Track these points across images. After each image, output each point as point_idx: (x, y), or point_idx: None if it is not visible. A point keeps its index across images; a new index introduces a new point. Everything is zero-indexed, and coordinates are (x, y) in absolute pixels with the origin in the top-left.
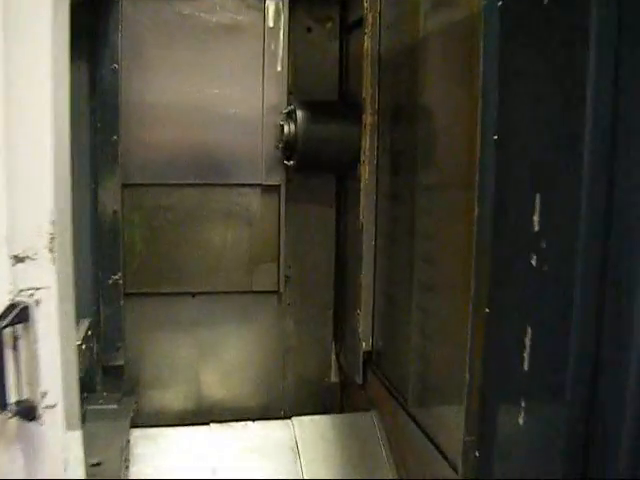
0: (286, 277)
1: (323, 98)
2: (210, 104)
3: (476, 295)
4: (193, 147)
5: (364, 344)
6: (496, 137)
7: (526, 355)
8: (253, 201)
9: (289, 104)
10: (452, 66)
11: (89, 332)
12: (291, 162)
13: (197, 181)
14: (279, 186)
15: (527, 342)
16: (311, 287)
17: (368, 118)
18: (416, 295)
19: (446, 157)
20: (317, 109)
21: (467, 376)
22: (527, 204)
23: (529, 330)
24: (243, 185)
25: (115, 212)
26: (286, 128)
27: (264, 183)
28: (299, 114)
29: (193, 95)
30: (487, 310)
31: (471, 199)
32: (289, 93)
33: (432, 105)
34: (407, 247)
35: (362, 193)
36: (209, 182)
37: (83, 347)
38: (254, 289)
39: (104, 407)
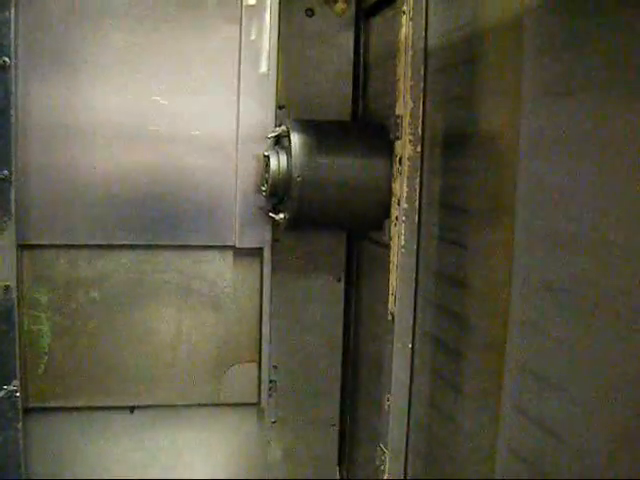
0: (270, 383)
1: (331, 116)
2: (156, 122)
3: None
4: (131, 189)
5: None
6: None
7: None
8: (222, 272)
9: (279, 124)
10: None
11: None
12: (281, 215)
13: (137, 241)
14: (261, 250)
15: None
16: (306, 396)
17: (407, 149)
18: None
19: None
20: (322, 133)
21: None
22: None
23: None
24: (207, 248)
25: (7, 288)
26: (274, 162)
27: (239, 245)
28: (295, 140)
29: (129, 108)
30: None
31: None
32: (279, 107)
33: (547, 131)
34: (474, 354)
35: (393, 267)
36: (155, 243)
37: None
38: (223, 401)
39: None
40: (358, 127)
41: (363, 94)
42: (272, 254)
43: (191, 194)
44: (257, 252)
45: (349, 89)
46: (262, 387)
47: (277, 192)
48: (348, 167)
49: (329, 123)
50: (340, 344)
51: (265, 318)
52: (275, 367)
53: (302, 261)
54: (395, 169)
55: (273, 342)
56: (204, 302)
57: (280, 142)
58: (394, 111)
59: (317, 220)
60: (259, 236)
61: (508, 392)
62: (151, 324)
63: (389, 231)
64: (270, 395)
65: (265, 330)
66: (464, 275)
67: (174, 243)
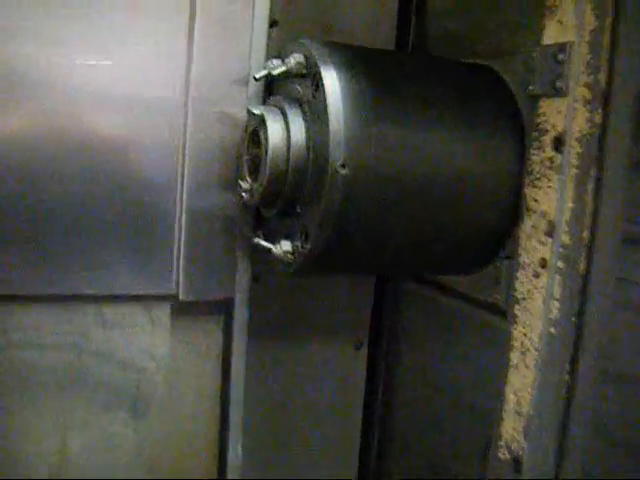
0: None
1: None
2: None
3: None
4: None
5: None
6: None
7: None
8: (151, 343)
9: (275, 54)
10: None
11: None
12: (285, 246)
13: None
14: (228, 303)
15: None
16: None
17: (578, 118)
18: None
19: None
20: (389, 77)
21: None
22: None
23: None
24: (121, 300)
25: None
26: (276, 129)
27: (185, 297)
28: (336, 87)
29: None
30: None
31: None
32: (271, 25)
33: None
34: None
35: (522, 361)
36: (21, 293)
37: None
38: None
39: None
40: (443, 68)
41: (420, 5)
42: (250, 310)
43: (93, 195)
44: (218, 308)
45: None
46: None
47: (279, 195)
48: (438, 151)
49: (392, 55)
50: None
51: (234, 425)
52: None
53: (296, 317)
54: (536, 158)
55: (245, 465)
56: (115, 400)
57: (281, 91)
58: (537, 38)
59: (365, 257)
60: (225, 278)
61: None
62: (8, 442)
63: (510, 283)
64: None
65: (234, 449)
66: None
67: (59, 292)
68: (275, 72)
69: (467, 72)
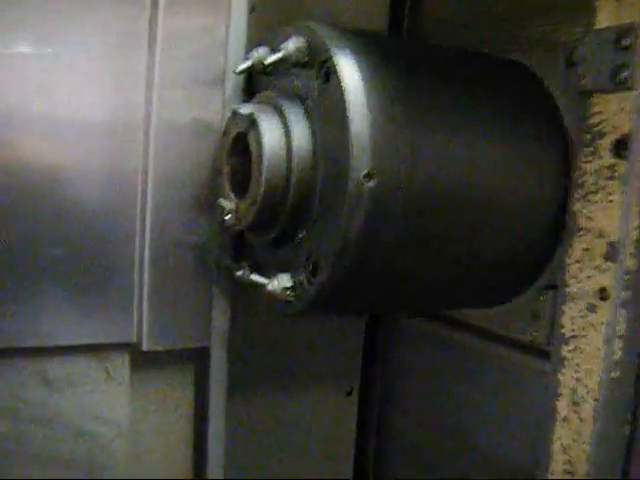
0: None
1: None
2: None
3: None
4: None
5: None
6: None
7: None
8: (105, 404)
9: (269, 38)
10: None
11: None
12: (283, 281)
13: None
14: (202, 352)
15: None
16: None
17: None
18: None
19: None
20: (411, 72)
21: None
22: None
23: None
24: (70, 351)
25: None
26: (273, 135)
27: (149, 347)
28: (356, 80)
29: None
30: None
31: None
32: (250, 10)
33: None
34: None
35: (567, 408)
36: None
37: None
38: None
39: None
40: (470, 61)
41: None
42: (227, 357)
43: (32, 227)
44: (189, 356)
45: None
46: None
47: (277, 215)
48: (475, 158)
49: (405, 42)
50: None
51: None
52: None
53: (280, 362)
54: (590, 167)
55: None
56: (64, 475)
57: (270, 88)
58: (587, 22)
59: (385, 292)
60: (199, 321)
61: None
62: None
63: (554, 318)
64: None
65: None
66: None
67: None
68: (268, 61)
69: (493, 66)
